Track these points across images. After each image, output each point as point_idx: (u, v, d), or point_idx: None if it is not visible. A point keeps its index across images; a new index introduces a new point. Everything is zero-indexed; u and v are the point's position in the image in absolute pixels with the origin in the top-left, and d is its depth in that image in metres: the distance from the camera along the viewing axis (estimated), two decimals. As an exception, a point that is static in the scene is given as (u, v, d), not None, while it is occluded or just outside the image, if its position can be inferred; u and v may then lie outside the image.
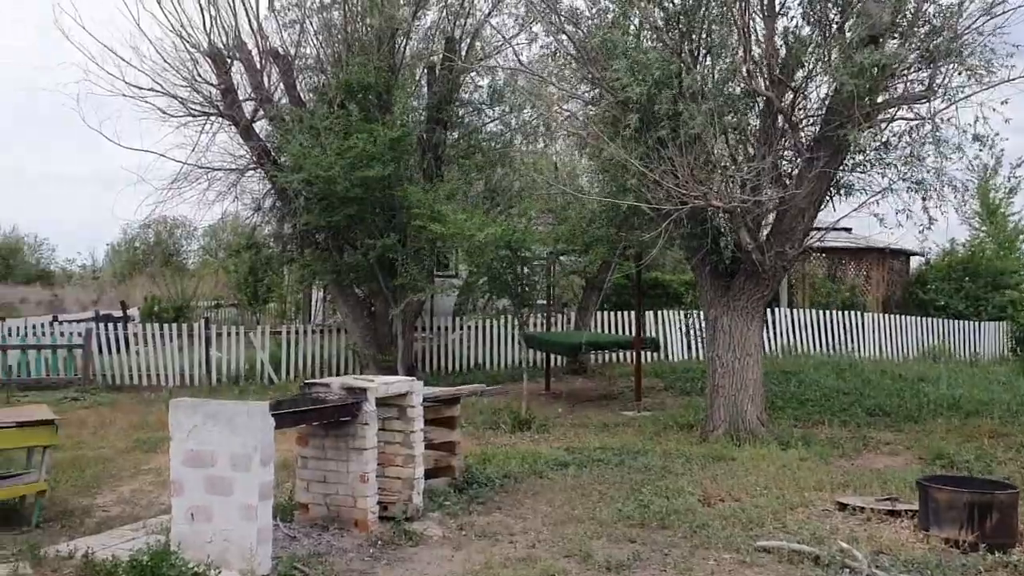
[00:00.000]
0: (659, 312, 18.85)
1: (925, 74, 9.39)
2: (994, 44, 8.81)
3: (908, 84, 9.54)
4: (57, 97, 22.03)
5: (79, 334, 16.42)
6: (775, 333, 18.84)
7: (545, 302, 17.00)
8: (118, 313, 21.95)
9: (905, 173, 9.48)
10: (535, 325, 17.55)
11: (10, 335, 16.38)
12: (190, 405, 5.74)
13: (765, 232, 10.36)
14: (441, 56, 15.43)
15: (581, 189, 14.38)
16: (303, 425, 6.48)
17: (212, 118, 15.19)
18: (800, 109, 9.94)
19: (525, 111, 15.36)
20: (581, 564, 5.81)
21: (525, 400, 12.22)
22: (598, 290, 17.32)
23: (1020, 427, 10.98)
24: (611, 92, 9.62)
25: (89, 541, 6.28)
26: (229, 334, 16.89)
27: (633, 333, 17.13)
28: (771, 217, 10.38)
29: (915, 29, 9.26)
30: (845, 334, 19.45)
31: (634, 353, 15.11)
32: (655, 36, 10.10)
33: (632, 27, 10.26)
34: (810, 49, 9.58)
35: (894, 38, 9.28)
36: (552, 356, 16.45)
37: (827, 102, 9.70)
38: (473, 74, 15.95)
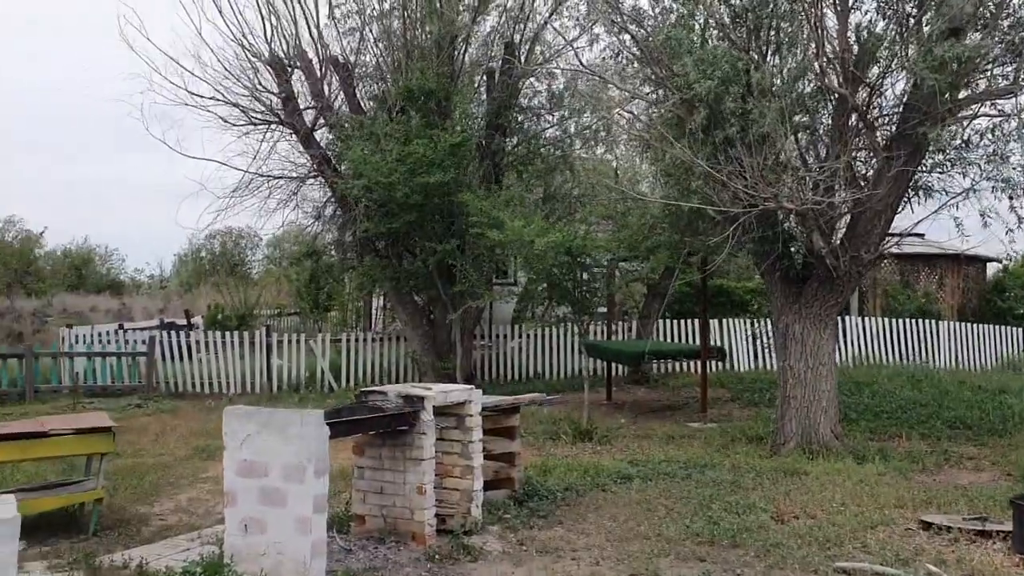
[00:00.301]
0: (724, 320, 18.36)
1: (1010, 68, 8.90)
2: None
3: (991, 79, 9.04)
4: (124, 108, 22.28)
5: (143, 342, 16.61)
6: (846, 342, 18.20)
7: (606, 310, 16.65)
8: (182, 321, 22.25)
9: (990, 172, 8.95)
10: (596, 334, 17.23)
11: (77, 342, 16.63)
12: (244, 413, 5.59)
13: (838, 236, 9.91)
14: (500, 62, 15.27)
15: (642, 195, 14.04)
16: (359, 434, 6.29)
17: (273, 126, 15.27)
18: (875, 107, 9.48)
19: (585, 115, 15.13)
20: (648, 584, 5.52)
21: (586, 410, 11.93)
22: (661, 297, 16.92)
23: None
24: (676, 91, 9.29)
25: (144, 551, 6.19)
26: (290, 342, 16.93)
27: (697, 342, 16.70)
28: (845, 221, 9.92)
29: (999, 21, 8.76)
30: (919, 343, 18.71)
31: (699, 363, 14.69)
32: (721, 34, 9.75)
33: (696, 26, 9.93)
34: (885, 44, 9.15)
35: (976, 31, 8.78)
36: (613, 365, 16.11)
37: (904, 99, 9.24)
38: (532, 79, 15.75)
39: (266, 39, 14.71)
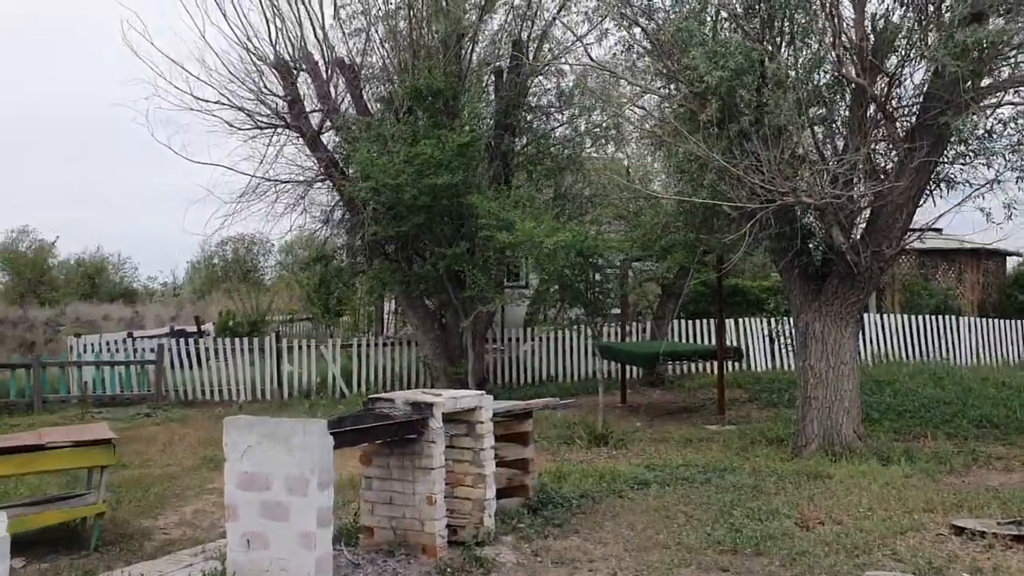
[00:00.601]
0: (740, 320, 18.06)
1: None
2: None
3: (1015, 66, 8.75)
4: (128, 113, 22.16)
5: (152, 350, 16.46)
6: (864, 340, 17.84)
7: (619, 311, 16.38)
8: (193, 329, 22.12)
9: (1015, 162, 8.65)
10: (609, 335, 16.97)
11: (85, 351, 16.50)
12: (244, 424, 5.37)
13: (858, 231, 9.62)
14: (508, 60, 15.05)
15: (655, 193, 13.78)
16: (365, 444, 6.06)
17: (279, 130, 15.09)
18: (894, 98, 9.19)
19: (595, 113, 14.88)
20: (669, 597, 5.27)
21: (601, 413, 11.67)
22: (675, 298, 16.65)
23: None
24: (688, 84, 9.02)
25: (145, 567, 5.98)
26: (301, 348, 16.75)
27: (713, 342, 16.42)
28: (865, 215, 9.63)
29: (1023, 6, 8.46)
30: (940, 340, 18.34)
31: (715, 363, 14.40)
32: (734, 25, 9.49)
33: (708, 18, 9.67)
34: (903, 33, 8.86)
35: (999, 16, 8.49)
36: (627, 367, 15.85)
37: (924, 88, 8.95)
38: (541, 78, 15.52)
39: (271, 41, 14.55)
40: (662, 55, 9.75)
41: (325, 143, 15.21)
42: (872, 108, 8.96)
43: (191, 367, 16.63)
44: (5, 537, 4.25)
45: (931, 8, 8.79)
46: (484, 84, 15.44)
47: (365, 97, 15.21)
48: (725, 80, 8.35)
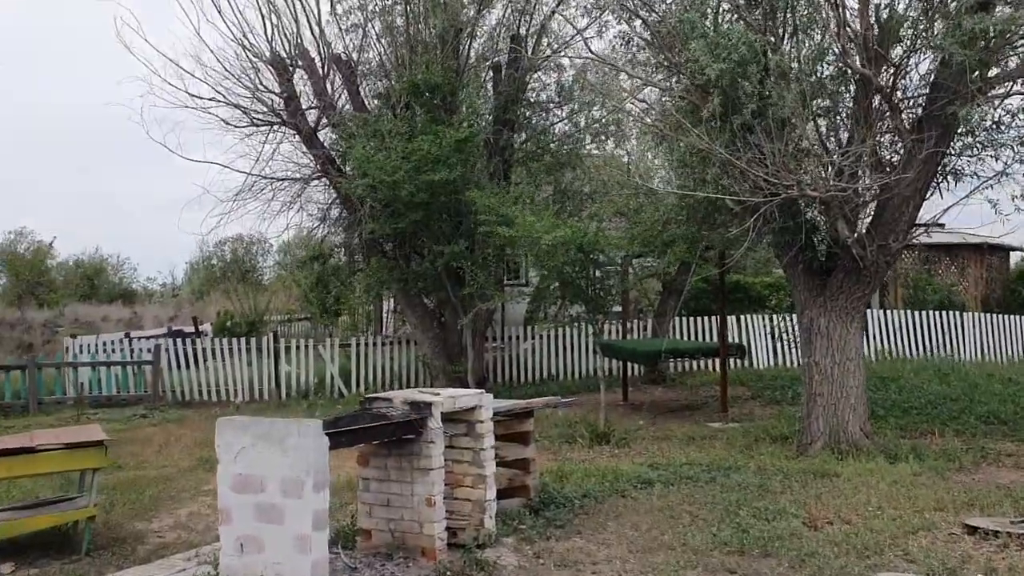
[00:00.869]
0: (742, 317, 17.90)
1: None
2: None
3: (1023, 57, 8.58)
4: (123, 111, 21.88)
5: (149, 350, 16.30)
6: (868, 336, 17.68)
7: (620, 308, 16.22)
8: (190, 329, 21.96)
9: (1023, 154, 8.49)
10: (610, 333, 16.81)
11: (81, 352, 16.34)
12: (238, 424, 5.21)
13: (864, 225, 9.45)
14: (507, 55, 14.88)
15: (653, 191, 13.60)
16: (362, 444, 5.90)
17: (275, 127, 14.94)
18: (899, 88, 9.02)
19: (595, 108, 14.73)
20: (676, 600, 5.11)
21: (603, 411, 11.51)
22: (677, 294, 16.49)
23: None
24: (690, 76, 8.86)
25: (137, 572, 5.85)
26: (299, 347, 16.60)
27: (715, 339, 16.26)
28: (870, 209, 9.47)
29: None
30: (943, 336, 18.18)
31: (717, 360, 14.24)
32: (736, 16, 9.32)
33: (709, 9, 9.50)
34: (908, 23, 8.70)
35: (1007, 4, 8.33)
36: (629, 365, 15.69)
37: (931, 79, 8.78)
38: (540, 73, 15.36)
39: (267, 38, 14.41)
40: (663, 47, 9.59)
41: (322, 140, 15.06)
42: (877, 99, 8.80)
43: (188, 367, 16.47)
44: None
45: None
46: (482, 79, 15.28)
47: (362, 93, 15.05)
48: (727, 72, 8.18)
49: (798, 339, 11.85)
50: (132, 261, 50.69)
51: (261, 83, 14.63)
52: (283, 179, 15.29)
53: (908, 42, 8.76)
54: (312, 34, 14.56)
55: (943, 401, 12.14)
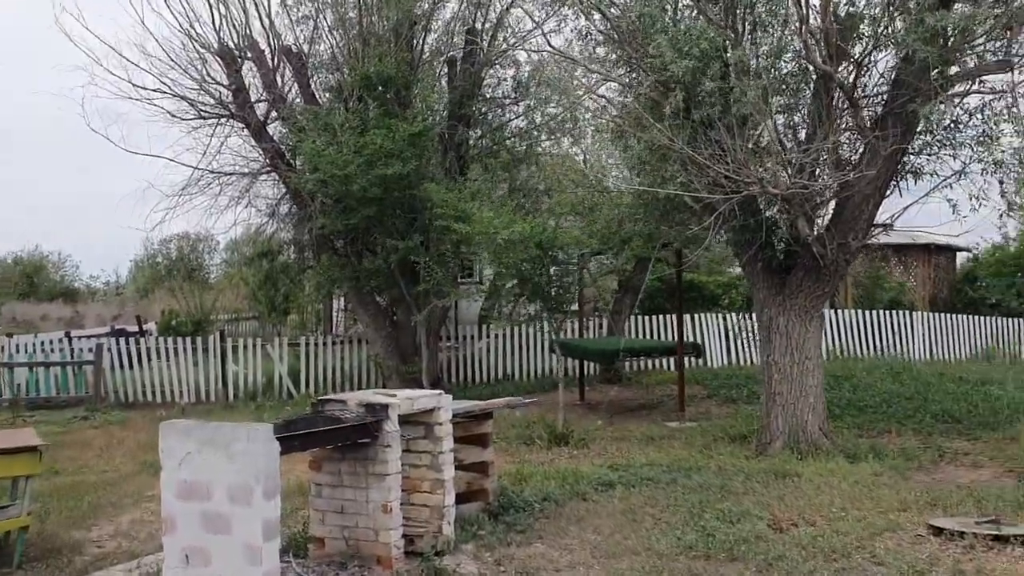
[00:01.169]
0: (696, 316, 17.87)
1: (999, 44, 8.45)
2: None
3: (981, 55, 8.58)
4: (63, 102, 20.96)
5: (90, 350, 15.74)
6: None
7: (577, 307, 16.06)
8: (134, 328, 21.34)
9: (981, 153, 8.48)
10: (567, 331, 16.66)
11: (18, 352, 15.71)
12: (182, 429, 4.90)
13: (823, 223, 9.40)
14: (462, 49, 14.62)
15: (610, 189, 13.46)
16: (315, 449, 5.62)
17: (223, 120, 14.49)
18: (860, 86, 8.97)
19: (551, 105, 14.53)
20: (643, 609, 4.93)
21: (562, 412, 11.32)
22: (633, 293, 16.38)
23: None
24: (651, 72, 8.70)
25: (73, 585, 5.48)
26: (246, 347, 16.16)
27: (670, 338, 16.21)
28: (830, 207, 9.42)
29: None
30: (893, 335, 18.36)
31: (675, 359, 14.16)
32: (696, 11, 9.20)
33: (668, 4, 9.36)
34: (868, 20, 8.65)
35: (966, 2, 8.32)
36: (585, 364, 15.54)
37: (893, 76, 8.76)
38: (496, 67, 15.12)
39: (215, 28, 13.96)
40: (623, 42, 9.42)
41: (271, 133, 14.66)
42: (838, 96, 8.74)
43: (132, 367, 15.93)
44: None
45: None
46: (437, 74, 14.99)
47: (313, 86, 14.66)
48: (690, 68, 8.04)
49: (756, 338, 11.81)
50: (74, 259, 49.22)
51: (208, 74, 14.20)
52: (231, 173, 14.85)
53: (869, 39, 8.71)
54: (262, 25, 14.17)
55: (897, 400, 12.21)
